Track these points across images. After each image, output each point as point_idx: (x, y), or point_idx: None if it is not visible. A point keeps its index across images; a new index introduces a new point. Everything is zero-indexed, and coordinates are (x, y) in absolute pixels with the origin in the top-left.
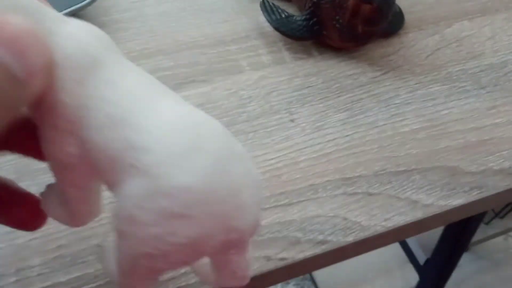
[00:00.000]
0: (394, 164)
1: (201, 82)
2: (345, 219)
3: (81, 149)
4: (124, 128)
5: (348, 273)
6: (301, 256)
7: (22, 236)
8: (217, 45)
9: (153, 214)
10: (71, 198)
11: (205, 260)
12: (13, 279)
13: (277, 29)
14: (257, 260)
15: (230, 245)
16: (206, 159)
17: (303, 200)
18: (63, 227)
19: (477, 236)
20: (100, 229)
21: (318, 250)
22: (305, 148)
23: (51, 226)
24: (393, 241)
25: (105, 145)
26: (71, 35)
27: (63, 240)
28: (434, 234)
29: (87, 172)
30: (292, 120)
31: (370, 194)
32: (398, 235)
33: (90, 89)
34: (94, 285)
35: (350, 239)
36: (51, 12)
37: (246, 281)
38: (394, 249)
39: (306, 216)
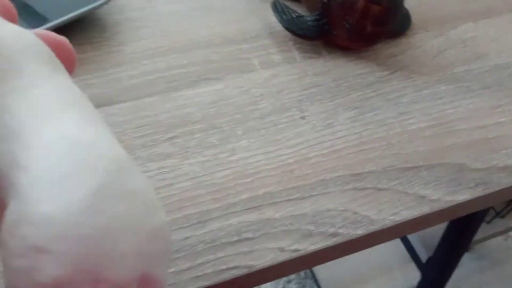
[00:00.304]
0: (402, 161)
1: (213, 80)
2: (355, 213)
3: None
4: (14, 142)
5: (350, 271)
6: (313, 248)
7: None
8: (228, 44)
9: (18, 243)
10: None
11: None
12: None
13: (288, 28)
14: (270, 251)
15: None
16: (82, 190)
17: (315, 195)
18: None
19: (478, 235)
20: None
21: (329, 242)
22: (315, 144)
23: None
24: (401, 235)
25: None
26: (11, 33)
27: None
28: (437, 232)
29: None
30: (303, 118)
31: (379, 189)
32: (406, 229)
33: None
34: None
35: (360, 232)
36: None
37: None
38: (395, 248)
39: (318, 210)
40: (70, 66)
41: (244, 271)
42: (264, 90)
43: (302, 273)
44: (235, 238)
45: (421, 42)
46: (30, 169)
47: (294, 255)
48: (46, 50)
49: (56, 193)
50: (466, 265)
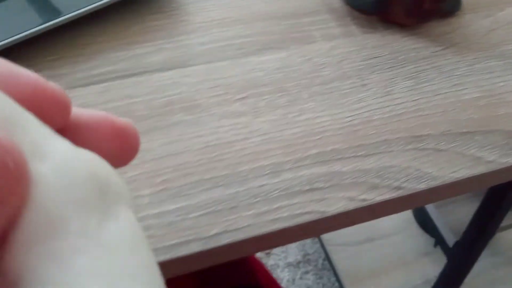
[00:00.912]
0: (458, 126)
1: (277, 49)
2: (417, 169)
3: None
4: None
5: (367, 264)
6: (380, 198)
7: (130, 171)
8: (289, 18)
9: None
10: None
11: None
12: None
13: (348, 4)
14: (341, 199)
15: None
16: None
17: (378, 153)
18: (167, 164)
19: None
20: (199, 168)
21: (394, 194)
22: (377, 109)
23: (155, 163)
24: (459, 193)
25: None
26: (57, 171)
27: (167, 176)
28: (464, 219)
29: None
30: (363, 85)
31: (438, 150)
32: (465, 187)
33: (34, 258)
34: (196, 214)
35: (423, 186)
36: (36, 128)
37: None
38: (412, 243)
39: (382, 166)
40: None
41: (318, 215)
42: (326, 59)
43: (319, 265)
44: (307, 187)
45: (470, 22)
46: None
47: (363, 204)
48: (103, 181)
49: None
50: (481, 261)
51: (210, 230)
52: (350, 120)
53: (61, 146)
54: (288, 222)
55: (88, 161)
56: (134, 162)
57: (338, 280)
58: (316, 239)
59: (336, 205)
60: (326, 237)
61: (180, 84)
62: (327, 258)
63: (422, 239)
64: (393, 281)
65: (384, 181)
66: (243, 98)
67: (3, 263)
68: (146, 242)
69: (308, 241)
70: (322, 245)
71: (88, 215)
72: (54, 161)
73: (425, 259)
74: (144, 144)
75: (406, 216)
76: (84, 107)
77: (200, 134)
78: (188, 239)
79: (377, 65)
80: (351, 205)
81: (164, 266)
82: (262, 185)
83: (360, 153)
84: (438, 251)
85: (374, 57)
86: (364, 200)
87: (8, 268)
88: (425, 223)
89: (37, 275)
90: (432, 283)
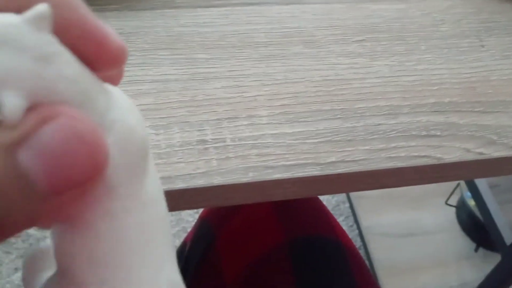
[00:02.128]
0: None
1: (396, 0)
2: None
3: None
4: (94, 269)
5: (405, 259)
6: (497, 154)
7: (249, 92)
8: None
9: None
10: None
11: None
12: (245, 122)
13: None
14: (457, 149)
15: None
16: None
17: (496, 111)
18: (286, 90)
19: None
20: (317, 99)
21: (511, 153)
22: (495, 70)
23: (274, 88)
24: None
25: (70, 260)
26: (118, 144)
27: (286, 101)
28: None
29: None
30: (482, 46)
31: None
32: None
33: (89, 214)
34: (314, 140)
35: None
36: (103, 97)
37: None
38: (453, 245)
39: (500, 124)
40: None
41: (434, 161)
42: (444, 16)
43: None
44: (424, 132)
45: None
46: None
47: (480, 157)
48: (142, 154)
49: None
50: None
51: (327, 157)
52: (468, 77)
53: (119, 112)
54: (405, 162)
55: (138, 127)
56: (254, 83)
57: (372, 270)
58: (355, 226)
59: (453, 153)
60: (365, 224)
61: (299, 19)
62: (364, 246)
63: (463, 242)
64: (430, 279)
65: (501, 139)
66: (360, 40)
67: (63, 216)
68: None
69: (344, 227)
70: (360, 233)
71: (136, 179)
72: (116, 135)
73: (464, 262)
74: (263, 69)
75: (450, 216)
76: (204, 27)
77: (318, 68)
78: (305, 162)
79: (496, 29)
80: (468, 156)
81: (280, 184)
82: (379, 124)
83: (477, 109)
84: (478, 256)
85: (492, 22)
86: (481, 153)
87: (59, 215)
88: (468, 226)
89: (90, 227)
90: (468, 287)
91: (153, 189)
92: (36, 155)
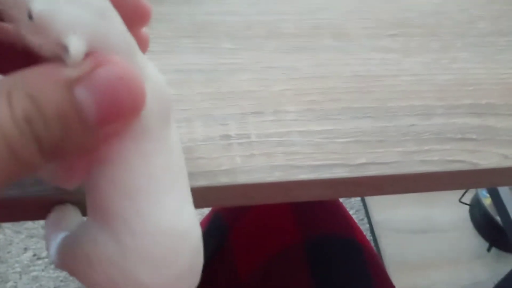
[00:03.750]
0: None
1: None
2: None
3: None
4: (128, 201)
5: (416, 255)
6: None
7: (275, 85)
8: None
9: (105, 276)
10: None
11: None
12: (271, 117)
13: None
14: (494, 155)
15: None
16: (174, 272)
17: None
18: (314, 85)
19: None
20: (347, 96)
21: None
22: None
23: (302, 82)
24: None
25: (105, 197)
26: (153, 93)
27: (314, 97)
28: None
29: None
30: None
31: None
32: None
33: (125, 150)
34: (343, 140)
35: None
36: (139, 53)
37: None
38: (466, 244)
39: None
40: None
41: (470, 166)
42: (482, 13)
43: None
44: (459, 136)
45: None
46: (137, 238)
47: None
48: (171, 104)
49: (153, 269)
50: None
51: (357, 158)
52: (506, 78)
53: (151, 70)
54: (439, 166)
55: (166, 86)
56: (281, 77)
57: None
58: (365, 220)
59: (490, 159)
60: (377, 219)
61: (329, 10)
62: (374, 241)
63: (476, 241)
64: (441, 277)
65: None
66: (393, 35)
67: (106, 152)
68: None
69: (355, 220)
70: (371, 227)
71: (165, 126)
72: (151, 84)
73: (476, 261)
74: (291, 62)
75: (463, 214)
76: (230, 15)
77: (348, 63)
78: (334, 163)
79: None
80: (506, 163)
81: (306, 186)
82: (412, 125)
83: None
84: (491, 256)
85: None
86: None
87: (103, 156)
88: (481, 225)
89: (125, 162)
90: (480, 287)
91: (176, 140)
92: (90, 91)
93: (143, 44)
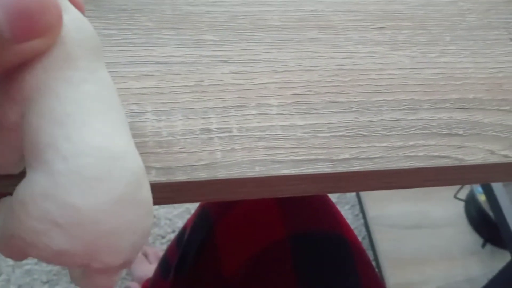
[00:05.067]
0: None
1: None
2: None
3: (22, 120)
4: (58, 129)
5: (410, 251)
6: None
7: (259, 78)
8: None
9: (40, 212)
10: None
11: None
12: (253, 111)
13: None
14: (481, 151)
15: (93, 269)
16: (108, 195)
17: None
18: (299, 78)
19: None
20: (332, 89)
21: None
22: None
23: (286, 75)
24: None
25: (36, 131)
26: (74, 23)
27: (298, 90)
28: None
29: (18, 139)
30: (511, 39)
31: None
32: None
33: (52, 80)
34: (327, 134)
35: None
36: None
37: None
38: (460, 240)
39: None
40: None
41: (455, 162)
42: (472, 5)
43: None
44: (445, 131)
45: None
46: (69, 161)
47: (505, 160)
48: (98, 42)
49: (86, 191)
50: None
51: (340, 153)
52: (495, 72)
53: (73, 8)
54: (424, 162)
55: (88, 23)
56: (264, 70)
57: (376, 260)
58: (360, 215)
59: (476, 155)
60: (371, 214)
61: (315, 2)
62: (368, 237)
63: (471, 237)
64: (435, 272)
65: None
66: (381, 28)
67: (19, 82)
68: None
69: (349, 216)
70: (366, 223)
71: (92, 59)
72: (72, 16)
73: (471, 257)
74: (275, 55)
75: (458, 210)
76: (213, 6)
77: (334, 56)
78: (317, 158)
79: None
80: (492, 159)
81: (288, 181)
82: (398, 120)
83: (504, 108)
84: (485, 252)
85: None
86: (506, 156)
87: (26, 85)
88: (476, 221)
89: (53, 91)
90: (474, 283)
91: (109, 80)
92: (0, 8)
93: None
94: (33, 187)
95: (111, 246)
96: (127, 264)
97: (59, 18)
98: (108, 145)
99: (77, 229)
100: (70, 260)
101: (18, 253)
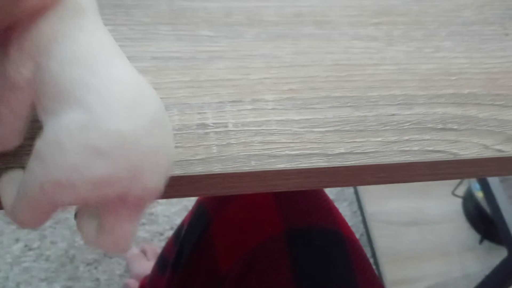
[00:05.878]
0: None
1: None
2: None
3: (33, 75)
4: (84, 68)
5: (408, 247)
6: None
7: (254, 73)
8: None
9: (80, 145)
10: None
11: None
12: (249, 106)
13: None
14: (475, 145)
15: (128, 202)
16: (144, 118)
17: None
18: (294, 74)
19: None
20: (328, 85)
21: None
22: None
23: (281, 71)
24: None
25: (60, 75)
26: None
27: (294, 85)
28: None
29: (28, 99)
30: (506, 34)
31: None
32: None
33: (68, 28)
34: (322, 129)
35: None
36: None
37: (124, 252)
38: (458, 236)
39: None
40: None
41: (450, 157)
42: (467, 1)
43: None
44: (440, 126)
45: None
46: (101, 94)
47: (499, 155)
48: (96, 5)
49: (126, 117)
50: None
51: (336, 148)
52: (490, 67)
53: None
54: (418, 157)
55: None
56: (260, 65)
57: (374, 256)
58: (358, 212)
59: (470, 149)
60: (369, 211)
61: None
62: (366, 233)
63: (468, 233)
64: (432, 269)
65: None
66: (377, 23)
67: (34, 35)
68: None
69: (348, 213)
70: (364, 220)
71: (96, 12)
72: None
73: (468, 254)
74: (271, 50)
75: (456, 207)
76: (209, 1)
77: (330, 51)
78: (312, 153)
79: None
80: (486, 153)
81: (284, 175)
82: (393, 114)
83: (498, 102)
84: (483, 249)
85: None
86: (500, 150)
87: (42, 37)
88: (473, 218)
89: (70, 38)
90: (471, 279)
91: (108, 32)
92: None
93: None
94: (68, 126)
95: (152, 165)
96: (157, 195)
97: None
98: (134, 77)
99: (121, 152)
100: (112, 188)
101: (45, 208)
